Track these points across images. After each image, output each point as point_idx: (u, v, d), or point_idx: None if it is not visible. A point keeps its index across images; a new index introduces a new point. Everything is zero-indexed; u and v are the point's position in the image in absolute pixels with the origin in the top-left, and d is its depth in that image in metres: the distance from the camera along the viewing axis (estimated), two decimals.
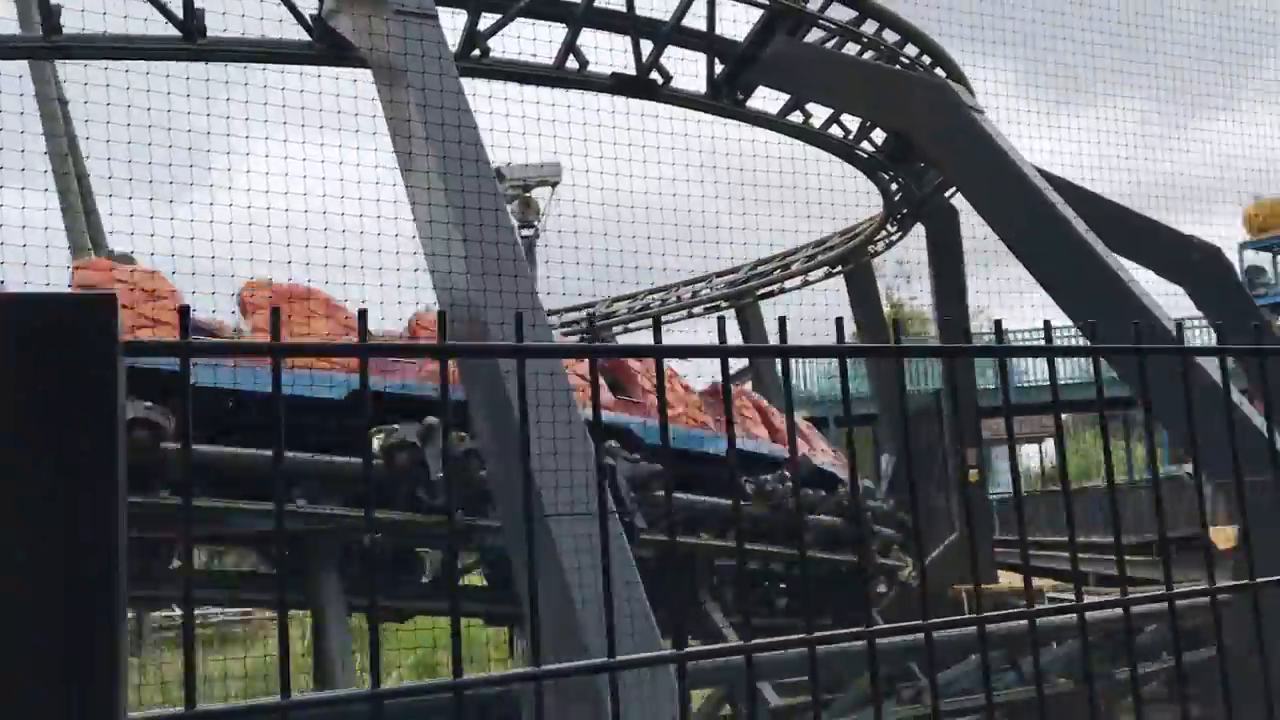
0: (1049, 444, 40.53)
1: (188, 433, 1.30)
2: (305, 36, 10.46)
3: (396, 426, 8.45)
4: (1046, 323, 2.78)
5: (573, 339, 16.56)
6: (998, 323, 2.89)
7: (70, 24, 10.53)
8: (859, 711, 8.41)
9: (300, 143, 9.07)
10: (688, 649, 2.15)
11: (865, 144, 14.59)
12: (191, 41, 10.41)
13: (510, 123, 11.47)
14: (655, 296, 25.42)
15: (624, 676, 4.59)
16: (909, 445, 2.78)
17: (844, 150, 14.55)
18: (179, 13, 10.41)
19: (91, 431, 1.02)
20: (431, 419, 8.43)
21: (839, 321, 2.59)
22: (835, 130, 14.21)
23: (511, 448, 5.37)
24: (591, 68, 11.74)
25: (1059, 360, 2.77)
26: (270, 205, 8.50)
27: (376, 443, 8.51)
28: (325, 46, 10.12)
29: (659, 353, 2.22)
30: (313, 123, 9.08)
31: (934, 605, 2.62)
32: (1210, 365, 7.77)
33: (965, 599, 13.72)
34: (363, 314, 2.07)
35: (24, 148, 9.69)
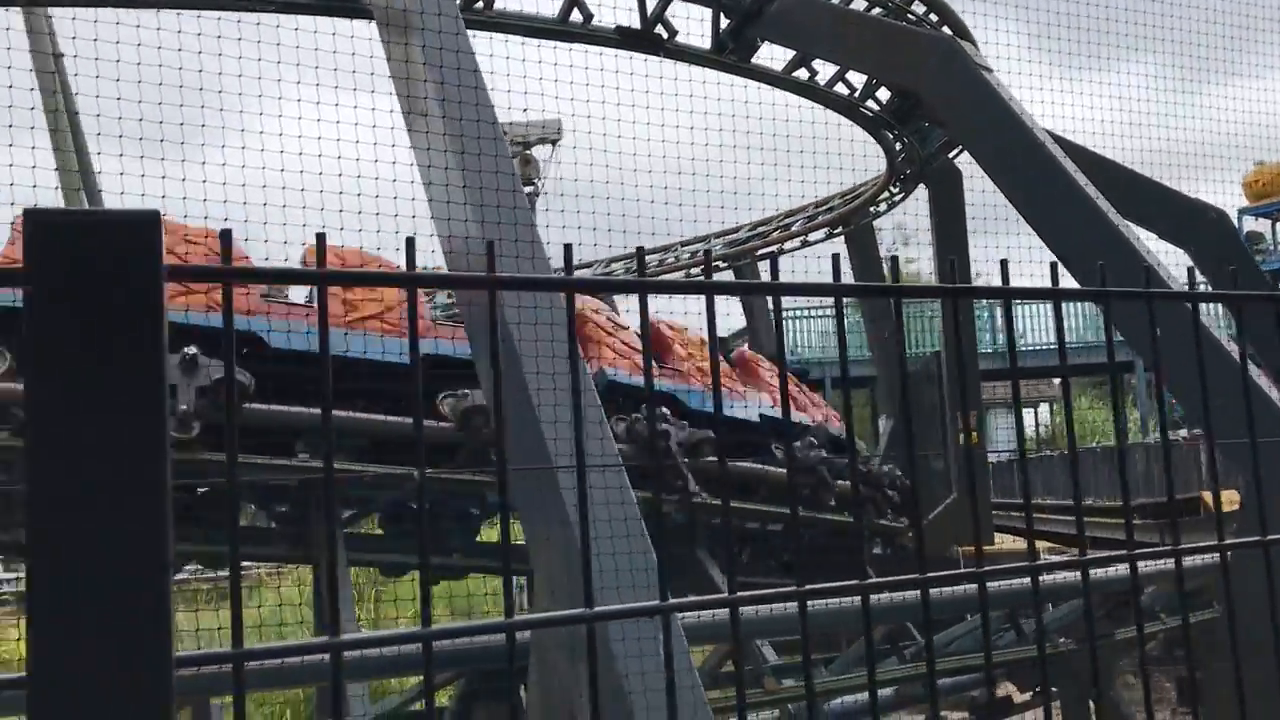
0: (1043, 409, 40.61)
1: (230, 363, 1.26)
2: None
3: (467, 392, 8.53)
4: (1054, 265, 2.72)
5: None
6: (1004, 262, 2.83)
7: None
8: (860, 669, 8.46)
9: (295, 97, 8.98)
10: (673, 600, 2.13)
11: (870, 102, 14.49)
12: None
13: (512, 80, 11.37)
14: (654, 257, 25.35)
15: (637, 629, 4.57)
16: (906, 393, 2.71)
17: (849, 108, 14.44)
18: None
19: (136, 357, 0.99)
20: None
21: (835, 258, 2.51)
22: (840, 88, 14.10)
23: (520, 400, 5.33)
24: (596, 22, 11.60)
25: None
26: (282, 153, 8.43)
27: (447, 407, 8.61)
28: None
29: (643, 287, 2.14)
30: (309, 75, 9.00)
31: (933, 565, 2.58)
32: (1219, 333, 7.76)
33: (963, 559, 13.77)
34: (409, 241, 2.01)
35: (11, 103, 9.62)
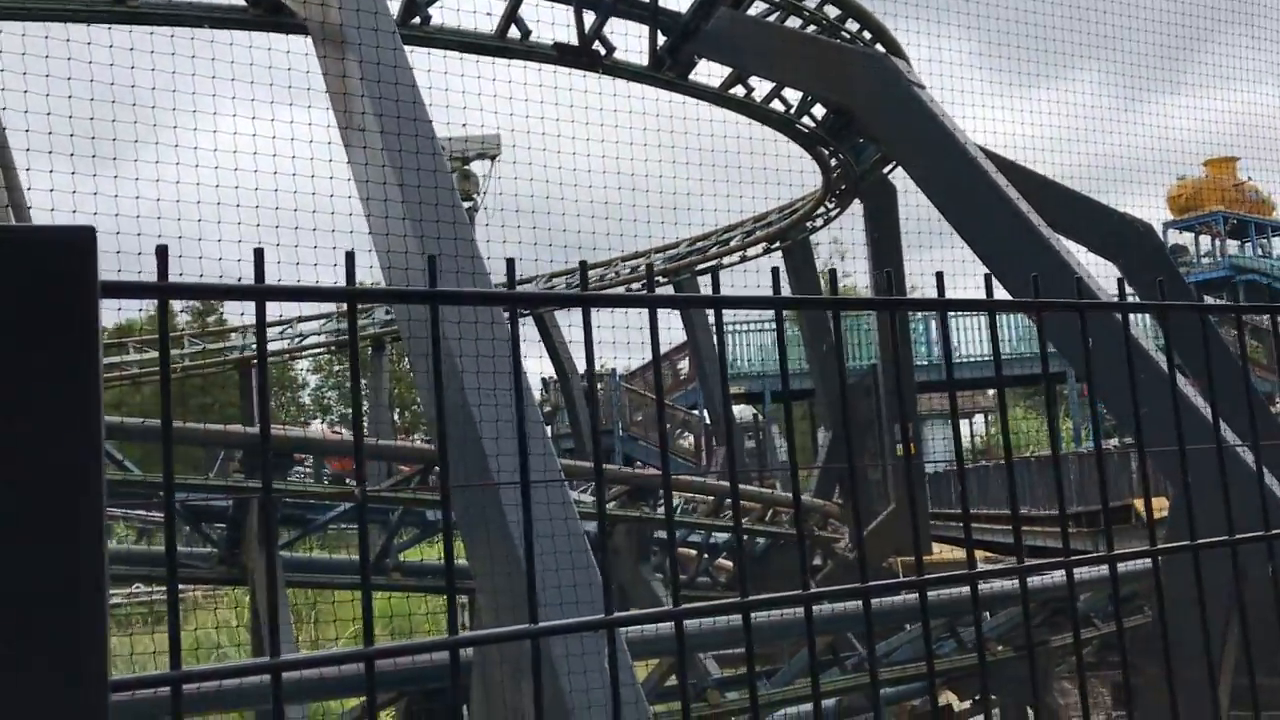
0: (978, 419, 41.22)
1: (166, 377, 1.25)
2: (242, 1, 10.22)
3: None
4: (988, 276, 2.76)
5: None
6: (939, 275, 2.87)
7: None
8: (802, 680, 8.51)
9: (232, 112, 8.88)
10: (617, 614, 2.13)
11: (806, 119, 14.65)
12: (122, 3, 10.10)
13: (450, 96, 11.36)
14: (595, 272, 25.38)
15: (580, 645, 4.57)
16: (845, 403, 2.73)
17: (785, 125, 14.59)
18: None
19: (71, 374, 0.97)
20: None
21: (775, 272, 2.52)
22: (776, 105, 14.25)
23: (462, 418, 5.30)
24: (534, 38, 11.61)
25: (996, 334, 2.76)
26: (217, 168, 8.33)
27: None
28: (263, 11, 9.88)
29: (587, 301, 2.15)
30: (243, 90, 8.91)
31: (872, 576, 2.59)
32: (1148, 343, 7.94)
33: (901, 569, 13.91)
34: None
35: None
